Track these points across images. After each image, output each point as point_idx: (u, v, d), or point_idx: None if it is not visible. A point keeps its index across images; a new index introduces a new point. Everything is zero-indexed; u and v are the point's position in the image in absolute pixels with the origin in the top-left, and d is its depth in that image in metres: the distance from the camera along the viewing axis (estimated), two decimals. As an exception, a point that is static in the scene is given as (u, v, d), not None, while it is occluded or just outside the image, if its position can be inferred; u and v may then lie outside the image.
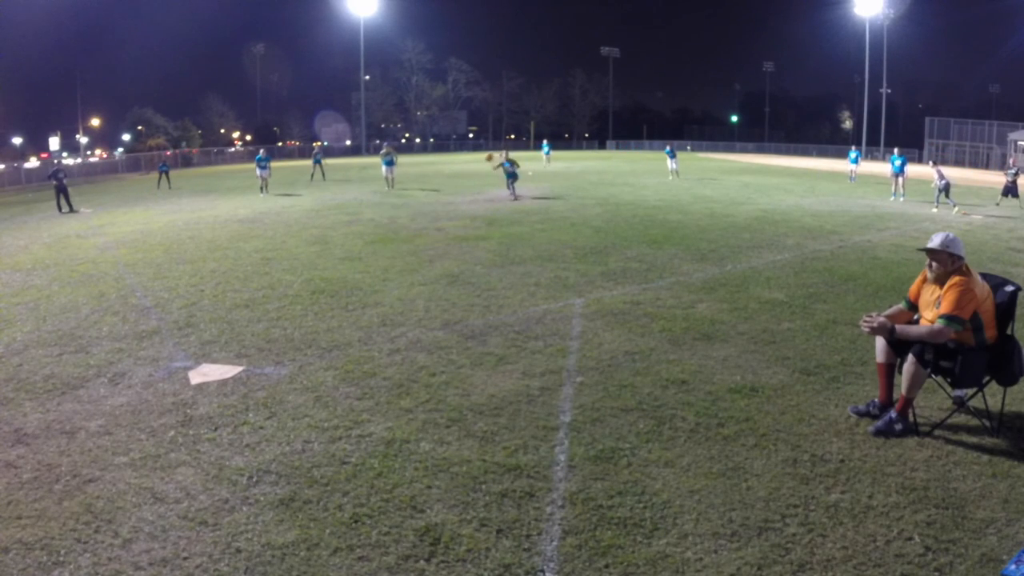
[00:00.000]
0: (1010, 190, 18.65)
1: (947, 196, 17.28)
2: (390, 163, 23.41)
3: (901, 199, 19.22)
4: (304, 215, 15.90)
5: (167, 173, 29.86)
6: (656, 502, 3.39)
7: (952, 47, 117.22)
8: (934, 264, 4.13)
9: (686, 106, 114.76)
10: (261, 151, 25.20)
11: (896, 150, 21.52)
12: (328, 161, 35.14)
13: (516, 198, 18.69)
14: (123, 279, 9.06)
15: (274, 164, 27.91)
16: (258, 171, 23.22)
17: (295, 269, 9.35)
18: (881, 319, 4.11)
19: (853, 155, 27.69)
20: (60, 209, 19.24)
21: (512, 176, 19.37)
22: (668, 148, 29.98)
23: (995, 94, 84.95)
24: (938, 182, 17.59)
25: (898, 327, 4.10)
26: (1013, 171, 19.72)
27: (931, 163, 20.28)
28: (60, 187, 19.77)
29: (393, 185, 22.96)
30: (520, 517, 3.27)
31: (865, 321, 4.14)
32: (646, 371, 5.20)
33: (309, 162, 31.70)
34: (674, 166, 28.51)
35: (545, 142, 45.76)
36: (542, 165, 36.85)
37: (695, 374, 5.14)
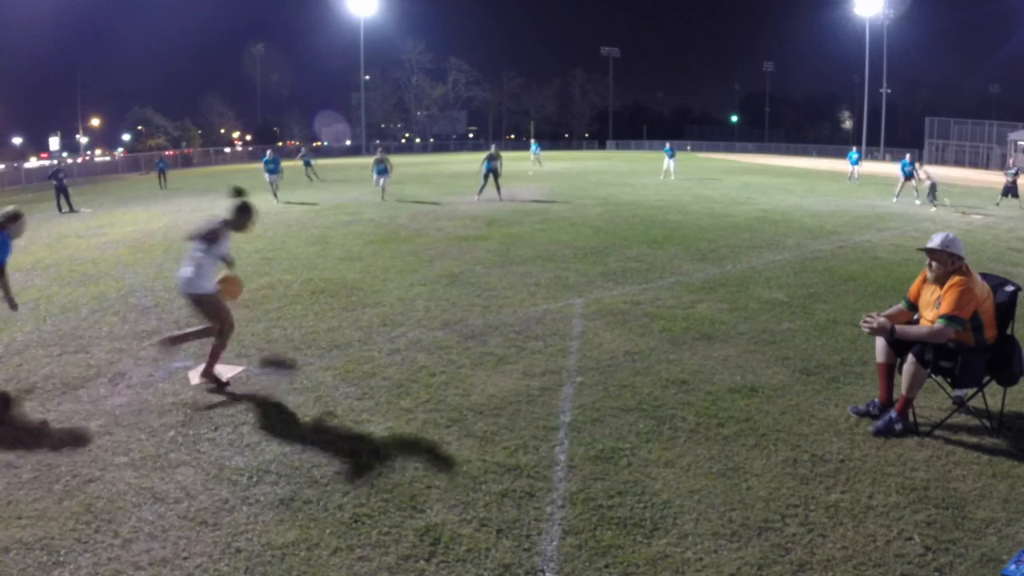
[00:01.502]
0: (1010, 190, 18.75)
1: (933, 197, 17.68)
2: (383, 171, 19.73)
3: (916, 202, 18.39)
4: (304, 215, 15.90)
5: (164, 172, 29.20)
6: (656, 502, 3.39)
7: (952, 47, 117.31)
8: (934, 264, 4.14)
9: (686, 106, 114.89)
10: (268, 152, 21.39)
11: (908, 156, 20.89)
12: (328, 161, 34.90)
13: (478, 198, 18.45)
14: (123, 279, 9.06)
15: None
16: (267, 176, 20.15)
17: (295, 269, 9.35)
18: (881, 319, 4.11)
19: (854, 156, 27.17)
20: (60, 209, 19.17)
21: (493, 174, 18.87)
22: (668, 147, 29.70)
23: (995, 94, 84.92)
24: (925, 182, 18.14)
25: (898, 327, 4.10)
26: (1013, 171, 19.78)
27: (917, 164, 20.45)
28: (60, 187, 19.69)
29: (384, 196, 19.29)
30: (520, 517, 3.27)
31: (865, 322, 4.14)
32: (646, 371, 5.20)
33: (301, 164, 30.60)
34: (671, 166, 28.24)
35: (534, 142, 43.73)
36: (531, 165, 36.14)
37: (695, 374, 5.14)
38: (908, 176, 19.32)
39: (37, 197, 26.40)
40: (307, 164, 29.37)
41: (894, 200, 18.96)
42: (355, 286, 8.19)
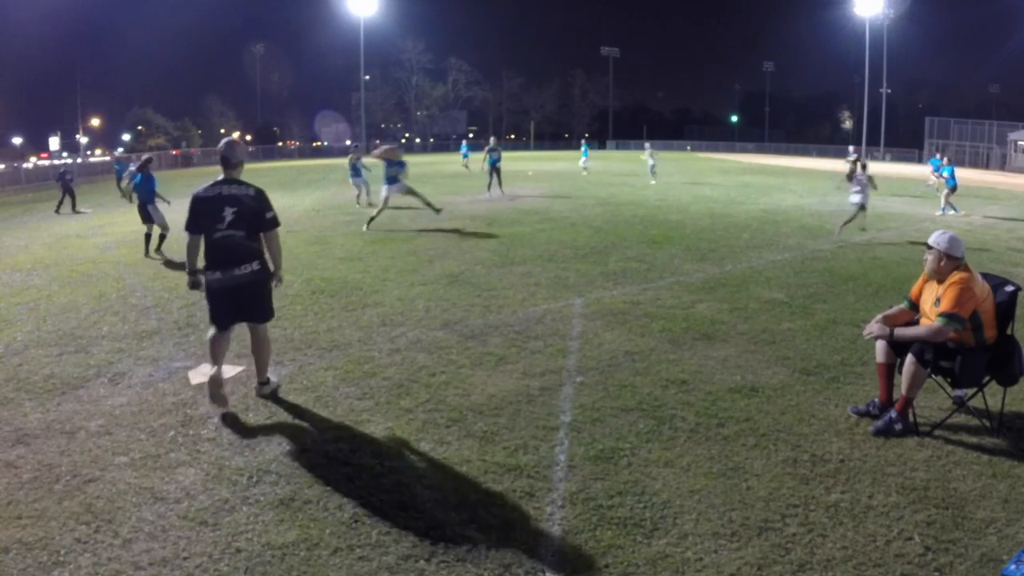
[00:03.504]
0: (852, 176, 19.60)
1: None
2: (358, 172, 17.20)
3: (937, 212, 16.24)
4: (304, 215, 15.89)
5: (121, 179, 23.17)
6: (656, 502, 3.39)
7: (952, 47, 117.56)
8: (929, 258, 4.17)
9: (686, 106, 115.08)
10: (353, 148, 14.62)
11: (939, 154, 17.68)
12: (328, 161, 34.44)
13: (499, 197, 18.43)
14: (123, 279, 9.06)
15: (272, 165, 25.63)
16: (356, 179, 16.45)
17: (295, 269, 9.34)
18: (877, 326, 4.19)
19: (937, 161, 22.09)
20: (58, 210, 18.74)
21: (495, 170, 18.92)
22: (584, 144, 30.88)
23: (995, 94, 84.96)
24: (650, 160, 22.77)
25: (897, 329, 4.13)
26: (853, 157, 20.16)
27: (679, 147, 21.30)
28: (68, 189, 19.15)
29: (366, 201, 16.90)
30: (520, 517, 3.27)
31: (867, 334, 4.25)
32: (646, 371, 5.20)
33: (309, 163, 28.88)
34: (584, 163, 29.69)
35: (464, 142, 39.32)
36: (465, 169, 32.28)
37: (695, 374, 5.14)
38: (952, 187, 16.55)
39: (37, 197, 26.42)
40: (120, 176, 22.00)
41: (962, 212, 16.30)
42: (355, 286, 8.19)
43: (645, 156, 26.46)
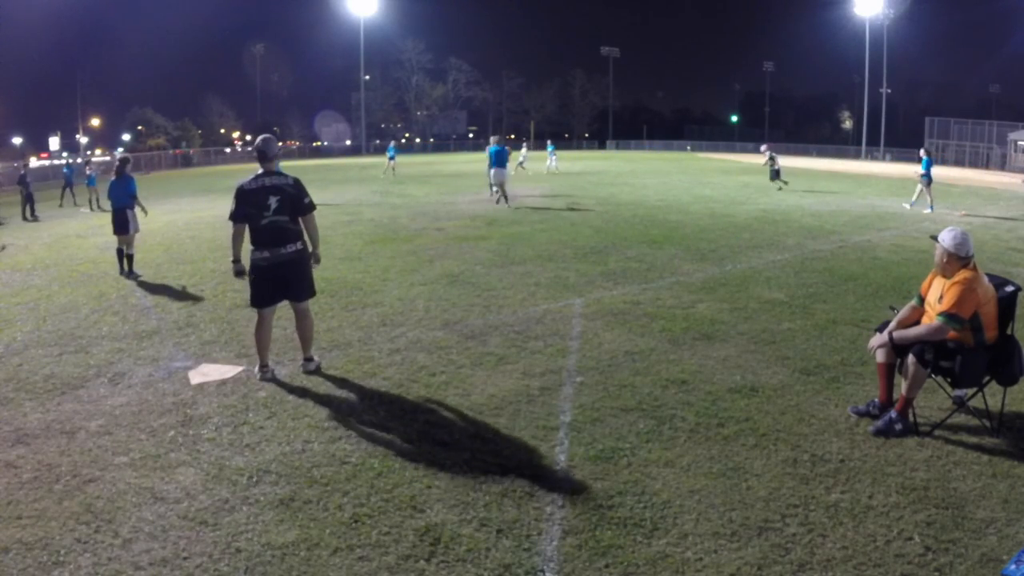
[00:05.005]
0: (777, 174, 22.00)
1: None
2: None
3: (926, 211, 16.28)
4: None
5: (71, 186, 22.31)
6: (656, 502, 3.39)
7: (952, 47, 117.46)
8: (936, 253, 4.21)
9: (686, 106, 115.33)
10: (393, 143, 15.58)
11: (922, 152, 17.38)
12: (328, 161, 34.43)
13: (501, 200, 16.80)
14: (123, 279, 9.06)
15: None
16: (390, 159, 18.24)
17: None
18: (875, 340, 4.26)
19: None
20: (24, 216, 17.98)
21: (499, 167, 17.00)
22: (550, 145, 33.77)
23: (995, 94, 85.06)
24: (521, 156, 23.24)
25: (896, 334, 4.14)
26: (767, 154, 22.72)
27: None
28: (27, 194, 18.36)
29: None
30: (520, 517, 3.27)
31: (870, 348, 4.33)
32: (646, 371, 5.20)
33: (309, 163, 28.73)
34: (553, 162, 31.75)
35: (392, 144, 36.96)
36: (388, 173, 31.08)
37: (695, 374, 5.14)
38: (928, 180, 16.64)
39: (37, 197, 26.37)
40: (69, 183, 21.84)
41: (961, 212, 16.38)
42: (355, 286, 8.19)
43: (519, 155, 31.84)
